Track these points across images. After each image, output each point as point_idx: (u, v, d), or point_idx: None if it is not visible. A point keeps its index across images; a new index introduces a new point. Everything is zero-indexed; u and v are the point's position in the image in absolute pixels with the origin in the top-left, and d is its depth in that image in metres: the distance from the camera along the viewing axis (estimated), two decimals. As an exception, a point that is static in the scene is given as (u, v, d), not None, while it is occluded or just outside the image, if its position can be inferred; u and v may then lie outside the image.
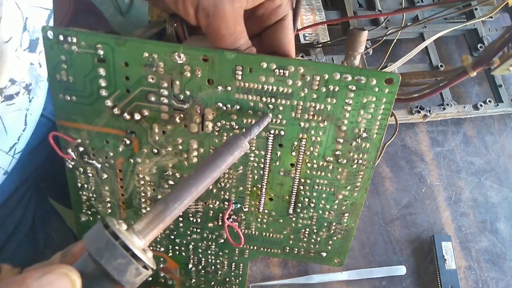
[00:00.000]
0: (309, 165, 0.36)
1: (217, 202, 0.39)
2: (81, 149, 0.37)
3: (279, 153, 0.36)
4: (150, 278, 0.47)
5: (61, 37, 0.31)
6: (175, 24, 0.36)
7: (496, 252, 0.54)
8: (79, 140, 0.36)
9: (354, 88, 0.31)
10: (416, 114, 0.57)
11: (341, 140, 0.34)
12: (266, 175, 0.37)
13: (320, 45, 0.58)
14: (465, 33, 0.64)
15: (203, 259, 0.45)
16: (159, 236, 0.43)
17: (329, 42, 0.58)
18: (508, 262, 0.54)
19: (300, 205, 0.39)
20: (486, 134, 0.60)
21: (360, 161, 0.36)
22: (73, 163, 0.38)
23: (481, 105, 0.58)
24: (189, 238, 0.43)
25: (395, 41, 0.59)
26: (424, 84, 0.52)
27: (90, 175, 0.39)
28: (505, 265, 0.53)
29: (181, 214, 0.40)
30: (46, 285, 0.21)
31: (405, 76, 0.55)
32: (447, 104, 0.57)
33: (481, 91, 0.62)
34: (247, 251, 0.44)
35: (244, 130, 0.33)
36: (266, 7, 0.33)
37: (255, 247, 0.43)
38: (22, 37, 0.40)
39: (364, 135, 0.34)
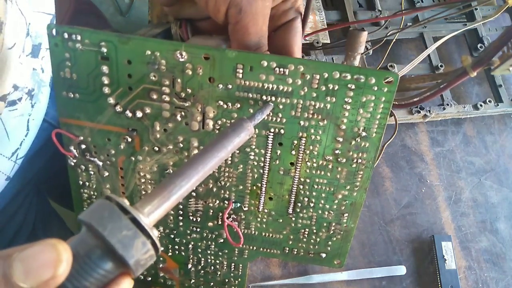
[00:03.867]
0: (308, 164, 0.36)
1: (217, 201, 0.40)
2: (83, 146, 0.37)
3: (279, 151, 0.36)
4: (150, 278, 0.47)
5: (66, 35, 0.31)
6: (179, 25, 0.37)
7: (496, 252, 0.54)
8: (82, 138, 0.37)
9: (353, 87, 0.32)
10: (416, 114, 0.57)
11: (341, 139, 0.34)
12: (266, 174, 0.37)
13: (320, 46, 0.58)
14: (465, 33, 0.64)
15: (202, 259, 0.45)
16: (158, 235, 0.43)
17: (329, 44, 0.58)
18: (508, 262, 0.54)
19: (299, 204, 0.39)
20: (486, 134, 0.61)
21: (360, 161, 0.36)
22: (75, 160, 0.38)
23: (481, 105, 0.58)
24: (188, 237, 0.43)
25: (394, 41, 0.59)
26: (424, 87, 0.53)
27: (92, 172, 0.39)
28: (505, 265, 0.53)
29: (181, 213, 0.41)
30: (30, 256, 0.19)
31: (405, 81, 0.55)
32: (447, 104, 0.58)
33: (481, 91, 0.63)
34: (247, 251, 0.44)
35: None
36: (277, 8, 0.34)
37: (255, 247, 0.43)
38: (25, 42, 0.39)
39: (364, 134, 0.34)
